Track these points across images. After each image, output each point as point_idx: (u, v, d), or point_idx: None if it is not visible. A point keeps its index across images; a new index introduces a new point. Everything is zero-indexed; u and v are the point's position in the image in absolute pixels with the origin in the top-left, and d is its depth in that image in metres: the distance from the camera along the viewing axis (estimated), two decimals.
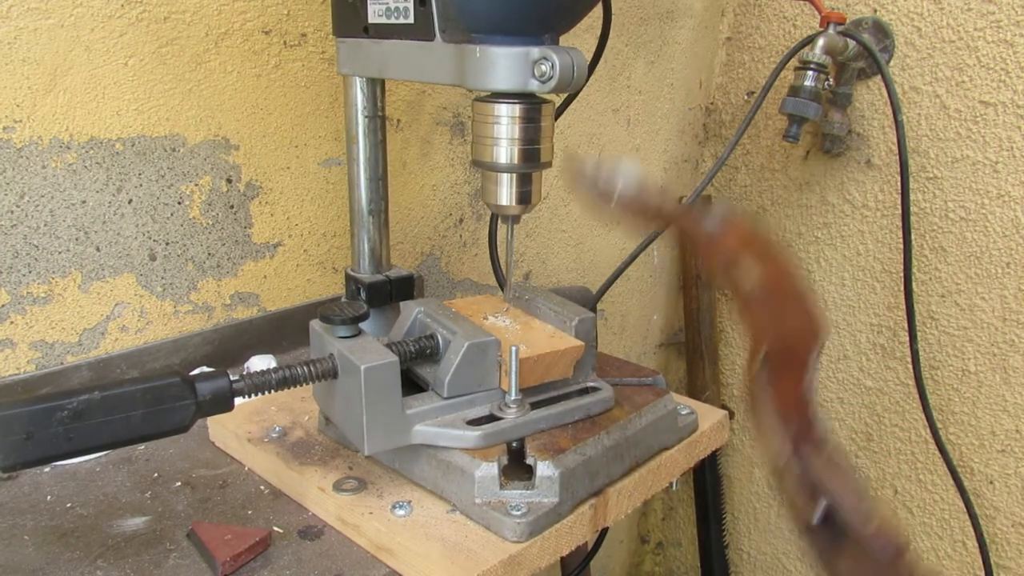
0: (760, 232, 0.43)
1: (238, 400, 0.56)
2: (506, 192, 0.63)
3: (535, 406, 0.62)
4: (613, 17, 0.88)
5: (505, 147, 0.61)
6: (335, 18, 0.73)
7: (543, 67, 0.57)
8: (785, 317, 0.39)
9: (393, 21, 0.65)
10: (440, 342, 0.63)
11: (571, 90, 0.59)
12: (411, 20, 0.63)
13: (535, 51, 0.57)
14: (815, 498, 0.33)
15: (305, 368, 0.59)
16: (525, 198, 0.63)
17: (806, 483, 0.34)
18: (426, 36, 0.62)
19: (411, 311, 0.67)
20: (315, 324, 0.63)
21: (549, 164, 0.63)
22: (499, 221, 1.00)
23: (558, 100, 0.64)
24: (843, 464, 0.35)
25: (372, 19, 0.67)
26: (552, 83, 0.57)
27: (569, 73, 0.57)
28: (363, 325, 0.62)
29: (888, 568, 0.31)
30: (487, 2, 0.56)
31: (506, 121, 0.60)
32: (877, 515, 0.32)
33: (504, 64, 0.57)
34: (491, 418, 0.61)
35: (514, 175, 0.62)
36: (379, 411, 0.57)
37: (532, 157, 0.61)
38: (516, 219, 0.66)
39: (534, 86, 0.57)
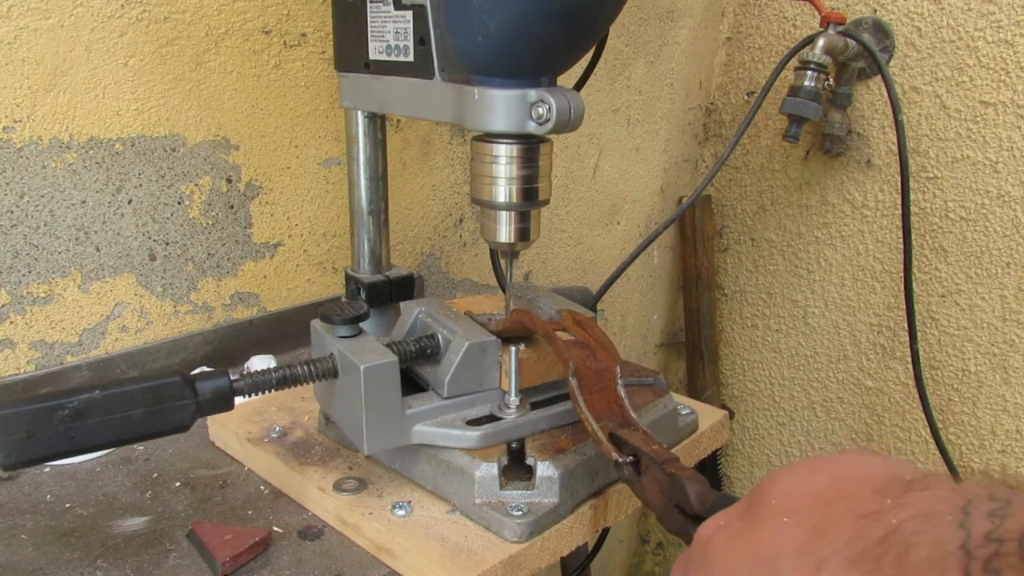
0: (579, 314, 0.66)
1: (238, 399, 0.56)
2: (505, 230, 0.63)
3: (535, 406, 0.63)
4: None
5: (504, 186, 0.61)
6: (337, 53, 0.74)
7: (540, 109, 0.57)
8: (596, 355, 0.60)
9: (393, 59, 0.66)
10: (440, 342, 0.63)
11: (568, 131, 0.59)
12: (411, 58, 0.64)
13: (532, 93, 0.57)
14: (624, 448, 0.53)
15: (305, 367, 0.59)
16: (524, 235, 0.64)
17: (619, 442, 0.53)
18: (425, 75, 0.63)
19: (412, 311, 0.67)
20: (316, 324, 0.63)
21: (547, 202, 0.64)
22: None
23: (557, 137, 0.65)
24: (649, 434, 0.54)
25: (373, 56, 0.68)
26: (549, 125, 0.57)
27: (566, 115, 0.57)
28: (363, 325, 0.62)
29: (668, 471, 0.48)
30: (485, 46, 0.57)
31: (504, 161, 0.60)
32: (660, 448, 0.51)
33: (502, 106, 0.57)
34: (491, 418, 0.61)
35: (512, 213, 0.62)
36: (379, 411, 0.57)
37: (531, 196, 0.62)
38: (515, 255, 0.67)
39: (531, 128, 0.58)
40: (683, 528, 0.46)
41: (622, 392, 0.59)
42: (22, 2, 0.67)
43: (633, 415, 0.57)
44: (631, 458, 0.52)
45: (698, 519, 0.44)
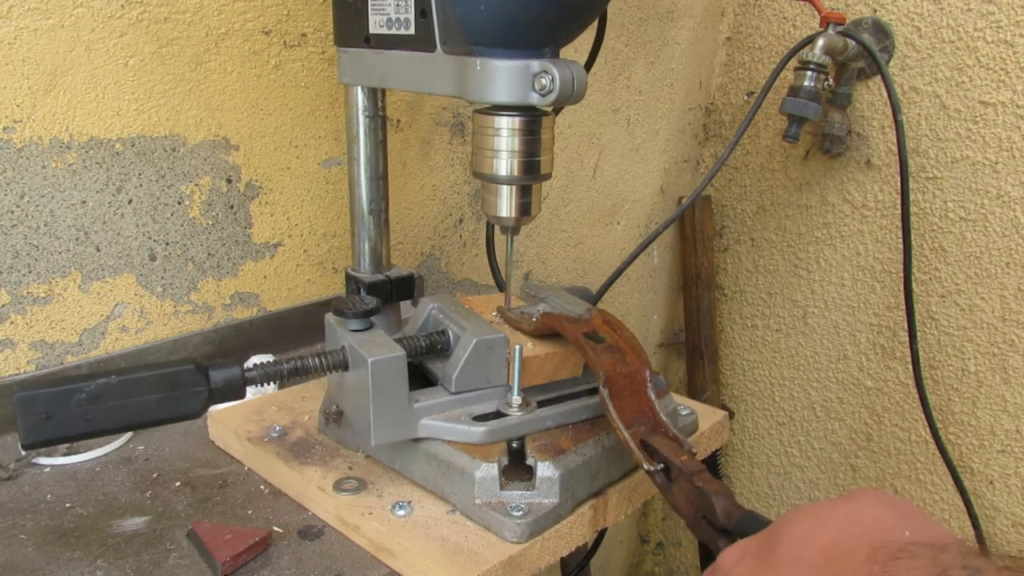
0: (608, 315, 0.67)
1: (249, 389, 0.56)
2: (506, 204, 0.63)
3: (543, 404, 0.63)
4: (613, 17, 0.88)
5: (505, 159, 0.61)
6: (336, 28, 0.73)
7: (543, 80, 0.57)
8: (626, 359, 0.61)
9: (394, 32, 0.65)
10: (451, 338, 0.64)
11: (571, 103, 0.59)
12: (412, 31, 0.63)
13: (535, 64, 0.57)
14: (656, 456, 0.54)
15: (316, 359, 0.59)
16: (525, 209, 0.64)
17: (650, 450, 0.54)
18: (427, 47, 0.62)
19: (425, 307, 0.68)
20: (329, 317, 0.64)
21: (549, 176, 0.63)
22: (498, 231, 1.01)
23: None
24: (680, 439, 0.55)
25: (373, 29, 0.68)
26: (552, 96, 0.57)
27: (569, 86, 0.57)
28: None
29: (694, 482, 0.49)
30: (487, 15, 0.56)
31: (506, 133, 0.60)
32: (689, 459, 0.52)
33: (504, 77, 0.57)
34: (497, 414, 0.61)
35: (514, 187, 0.62)
36: (386, 403, 0.58)
37: (532, 169, 0.62)
38: (515, 230, 0.66)
39: (534, 99, 0.58)
40: (711, 539, 0.48)
41: (652, 395, 0.59)
42: (22, 2, 0.67)
43: (664, 418, 0.58)
44: (661, 466, 0.53)
45: (725, 532, 0.47)
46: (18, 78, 0.69)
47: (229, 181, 0.85)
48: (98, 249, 0.77)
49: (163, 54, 0.77)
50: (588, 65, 0.86)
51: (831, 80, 1.18)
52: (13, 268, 0.72)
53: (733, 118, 1.48)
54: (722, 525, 0.47)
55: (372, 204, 0.77)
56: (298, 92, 0.88)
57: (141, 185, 0.78)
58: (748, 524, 0.44)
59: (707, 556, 1.58)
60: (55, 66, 0.70)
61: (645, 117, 1.37)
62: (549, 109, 0.61)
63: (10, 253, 0.71)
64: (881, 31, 1.23)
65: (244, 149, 0.85)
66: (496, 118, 0.60)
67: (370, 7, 0.67)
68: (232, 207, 0.85)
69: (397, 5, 0.64)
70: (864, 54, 1.18)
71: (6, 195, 0.70)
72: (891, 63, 1.23)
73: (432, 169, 1.05)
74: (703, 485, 0.49)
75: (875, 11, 1.24)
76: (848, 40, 1.17)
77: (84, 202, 0.75)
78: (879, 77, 1.22)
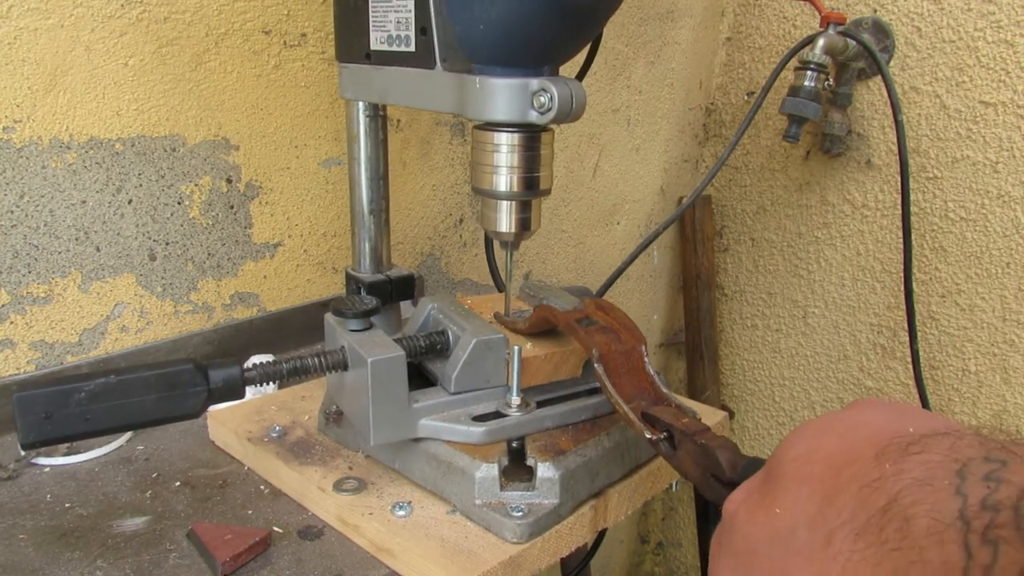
0: (603, 301, 0.66)
1: (249, 389, 0.56)
2: (505, 219, 0.63)
3: (542, 404, 0.63)
4: (613, 17, 0.88)
5: (505, 175, 0.61)
6: (338, 44, 0.73)
7: (542, 98, 0.57)
8: (620, 337, 0.60)
9: (395, 49, 0.66)
10: (450, 338, 0.64)
11: (570, 120, 0.59)
12: (412, 48, 0.64)
13: (534, 82, 0.57)
14: (657, 425, 0.53)
15: (316, 359, 0.59)
16: (525, 224, 0.64)
17: (652, 420, 0.54)
18: (427, 64, 0.63)
19: (425, 307, 0.68)
20: (329, 317, 0.64)
21: (548, 192, 0.64)
22: (498, 243, 1.01)
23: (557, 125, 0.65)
24: (682, 407, 0.56)
25: (374, 46, 0.68)
26: (551, 114, 0.57)
27: (568, 104, 0.57)
28: None
29: (699, 442, 0.48)
30: (486, 34, 0.56)
31: (506, 149, 0.60)
32: (691, 421, 0.51)
33: (504, 95, 0.57)
34: (496, 415, 0.61)
35: (514, 202, 0.62)
36: (385, 403, 0.58)
37: (531, 185, 0.62)
38: (515, 245, 0.67)
39: (533, 117, 0.58)
40: (721, 496, 0.46)
41: (651, 370, 0.59)
42: (22, 2, 0.67)
43: (665, 391, 0.57)
44: (665, 434, 0.52)
45: (732, 485, 0.45)
46: (18, 78, 0.69)
47: (229, 181, 0.85)
48: (98, 249, 0.77)
49: (163, 54, 0.77)
50: (583, 72, 0.86)
51: (831, 80, 1.18)
52: (13, 268, 0.72)
53: (733, 118, 1.48)
54: (729, 478, 0.46)
55: (372, 204, 0.77)
56: (298, 92, 0.88)
57: (141, 185, 0.78)
58: (754, 470, 0.43)
59: (707, 556, 1.58)
60: (55, 66, 0.70)
61: (645, 117, 1.37)
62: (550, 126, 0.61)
63: (10, 253, 0.71)
64: (881, 31, 1.23)
65: (244, 149, 0.85)
66: (495, 134, 0.60)
67: (371, 24, 0.67)
68: (232, 207, 0.85)
69: (398, 22, 0.64)
70: (864, 54, 1.18)
71: (6, 195, 0.70)
72: (891, 63, 1.23)
73: (432, 169, 1.05)
74: (706, 441, 0.48)
75: (875, 11, 1.24)
76: (848, 40, 1.17)
77: (84, 202, 0.75)
78: (879, 77, 1.21)
